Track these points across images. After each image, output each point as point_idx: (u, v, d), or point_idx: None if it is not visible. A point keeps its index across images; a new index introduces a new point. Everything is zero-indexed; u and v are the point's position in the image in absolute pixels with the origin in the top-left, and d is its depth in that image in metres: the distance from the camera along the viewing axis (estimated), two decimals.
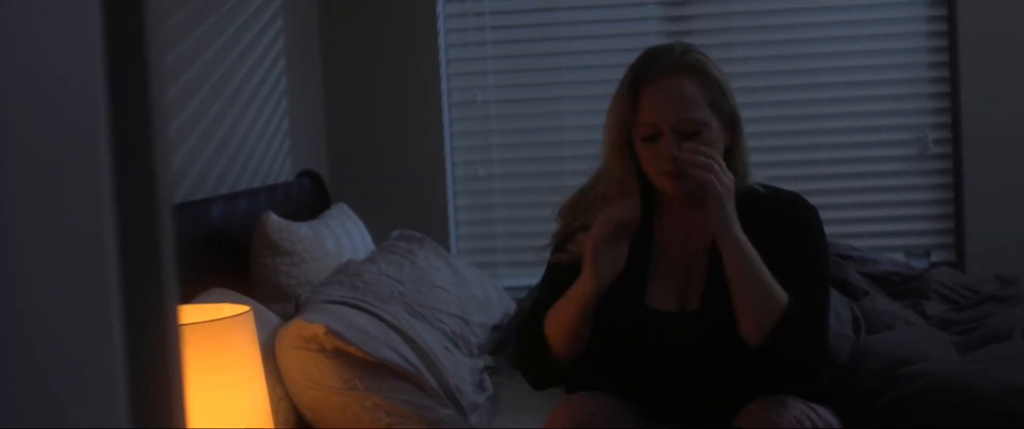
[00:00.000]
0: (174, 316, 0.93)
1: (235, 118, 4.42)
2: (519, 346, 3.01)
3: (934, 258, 5.42)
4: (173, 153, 3.85)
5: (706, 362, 2.86)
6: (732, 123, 2.89)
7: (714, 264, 2.81)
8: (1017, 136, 5.27)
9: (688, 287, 2.89)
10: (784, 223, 2.88)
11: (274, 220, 3.85)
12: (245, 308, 2.84)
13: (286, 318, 3.53)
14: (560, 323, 2.80)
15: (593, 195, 2.96)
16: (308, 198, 4.84)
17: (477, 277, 4.52)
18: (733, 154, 2.86)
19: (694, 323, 2.84)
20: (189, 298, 3.23)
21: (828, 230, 4.82)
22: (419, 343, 3.57)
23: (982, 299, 4.38)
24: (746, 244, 2.72)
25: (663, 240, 2.95)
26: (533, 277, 4.90)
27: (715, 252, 2.79)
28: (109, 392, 0.87)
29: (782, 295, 2.71)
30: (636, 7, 5.57)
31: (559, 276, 2.91)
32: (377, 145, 5.56)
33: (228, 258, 3.85)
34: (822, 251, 2.94)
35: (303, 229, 4.00)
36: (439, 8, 5.56)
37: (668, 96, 2.79)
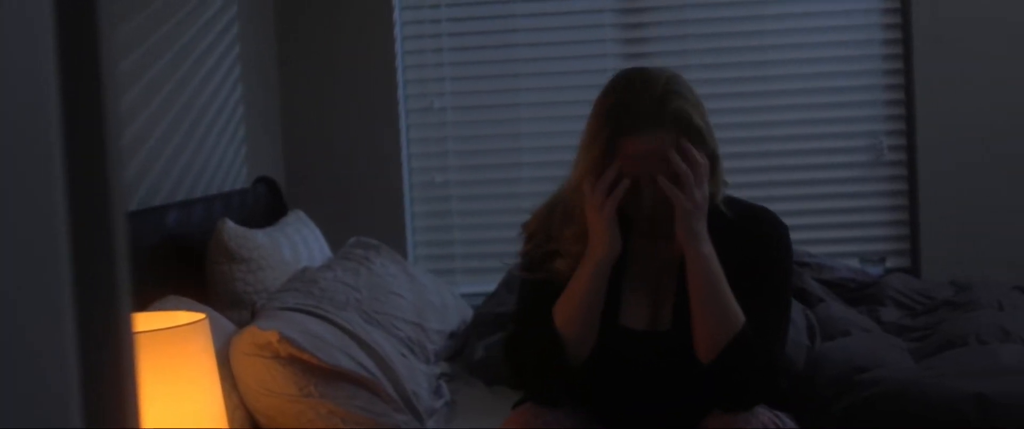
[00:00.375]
0: (128, 324, 0.92)
1: (191, 125, 4.40)
2: (514, 364, 2.92)
3: (889, 264, 5.46)
4: (128, 160, 3.84)
5: (676, 381, 2.85)
6: (710, 159, 2.83)
7: (684, 282, 2.79)
8: (971, 142, 5.30)
9: (659, 305, 2.87)
10: (753, 240, 2.85)
11: (230, 227, 3.84)
12: (200, 316, 2.83)
13: (242, 325, 3.51)
14: (572, 306, 2.76)
15: (561, 211, 2.91)
16: (264, 205, 4.83)
17: (434, 284, 4.52)
18: (709, 184, 2.81)
19: (665, 343, 2.83)
20: (145, 306, 3.22)
21: None
22: (375, 349, 3.56)
23: (937, 305, 4.40)
24: (710, 262, 2.70)
25: (636, 256, 2.92)
26: (490, 284, 4.91)
27: (684, 269, 2.78)
28: (63, 402, 0.86)
29: (739, 316, 2.70)
30: (592, 14, 5.58)
31: (541, 292, 2.87)
32: (334, 152, 5.55)
33: (184, 265, 3.84)
34: (788, 271, 2.93)
35: (259, 236, 3.99)
36: (396, 15, 5.56)
37: (648, 152, 2.70)
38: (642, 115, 2.69)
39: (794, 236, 5.27)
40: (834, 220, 5.51)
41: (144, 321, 2.81)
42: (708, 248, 2.72)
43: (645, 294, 2.88)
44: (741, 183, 5.27)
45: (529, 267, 2.93)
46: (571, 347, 2.76)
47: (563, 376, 2.80)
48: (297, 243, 4.32)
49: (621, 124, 2.70)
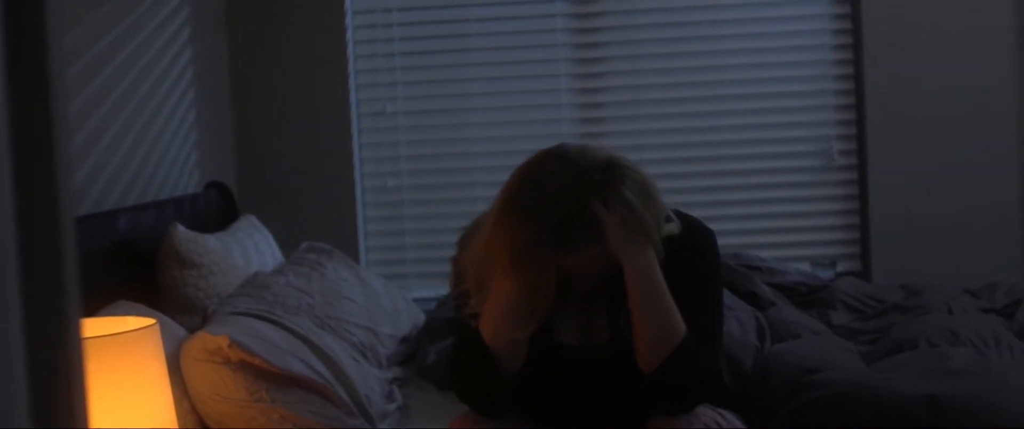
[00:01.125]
0: (77, 329, 0.92)
1: (142, 129, 4.37)
2: (455, 377, 2.92)
3: (840, 268, 5.48)
4: (79, 164, 3.81)
5: (614, 391, 2.86)
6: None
7: (614, 297, 2.79)
8: (921, 146, 5.34)
9: (591, 320, 2.87)
10: (684, 250, 2.84)
11: (181, 232, 3.82)
12: (151, 321, 2.82)
13: (194, 331, 3.49)
14: (492, 323, 2.74)
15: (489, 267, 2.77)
16: (216, 210, 4.81)
17: (386, 288, 4.51)
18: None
19: (602, 356, 2.83)
20: (95, 311, 3.20)
21: (735, 241, 4.86)
22: (328, 354, 3.56)
23: (887, 309, 4.42)
24: (649, 274, 2.68)
25: (566, 273, 2.90)
26: (442, 289, 4.91)
27: (615, 285, 2.77)
28: (11, 407, 0.86)
29: (681, 325, 2.70)
30: (544, 19, 5.59)
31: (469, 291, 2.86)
32: (286, 156, 5.54)
33: (135, 270, 3.81)
34: (719, 274, 2.94)
35: (211, 241, 3.97)
36: (347, 19, 5.55)
37: (590, 265, 2.71)
38: (581, 230, 2.62)
39: (745, 240, 5.33)
40: (785, 224, 5.53)
41: (94, 326, 2.79)
42: (643, 261, 2.68)
43: (577, 309, 2.87)
44: (692, 187, 5.33)
45: (463, 297, 2.90)
46: (501, 360, 2.75)
47: (498, 387, 2.79)
48: (249, 248, 4.30)
49: (558, 240, 2.61)
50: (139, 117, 4.36)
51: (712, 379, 2.81)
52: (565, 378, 2.87)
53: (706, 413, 2.75)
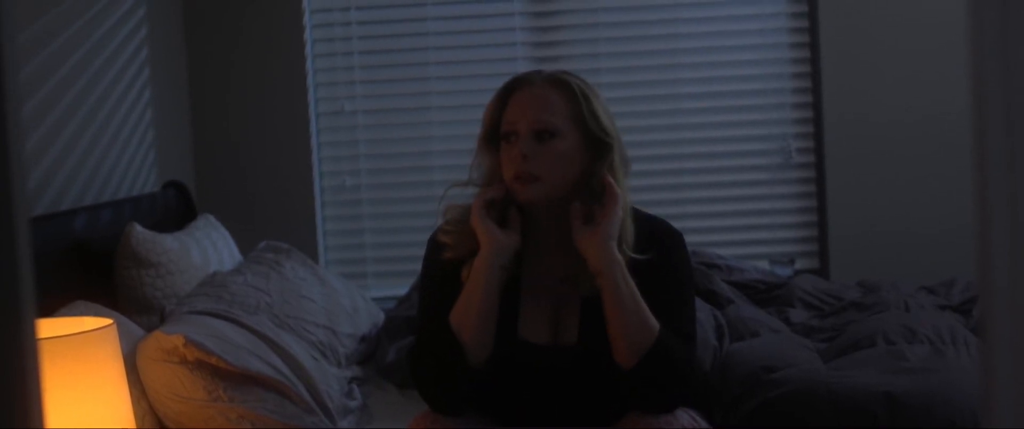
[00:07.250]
0: (31, 330, 0.91)
1: (99, 128, 4.35)
2: (417, 373, 2.91)
3: (798, 266, 5.50)
4: (35, 163, 3.79)
5: (582, 391, 2.86)
6: (598, 144, 2.85)
7: (587, 301, 2.81)
8: (878, 144, 5.37)
9: (561, 321, 2.87)
10: (654, 251, 2.86)
11: (139, 231, 3.80)
12: (108, 321, 2.80)
13: (151, 331, 3.48)
14: (465, 308, 2.75)
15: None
16: (174, 209, 4.79)
17: (345, 287, 4.50)
18: (592, 178, 2.84)
19: (571, 356, 2.84)
20: (52, 312, 3.18)
21: (694, 239, 4.86)
22: (287, 351, 3.55)
23: (845, 306, 4.44)
24: (621, 265, 2.72)
25: (530, 274, 2.92)
26: (401, 287, 4.91)
27: (588, 290, 2.80)
28: None
29: (654, 321, 2.72)
30: (503, 17, 5.59)
31: (441, 300, 2.87)
32: (244, 155, 5.52)
33: (92, 270, 3.79)
34: (689, 277, 2.96)
35: (168, 240, 3.96)
36: (306, 18, 5.53)
37: (530, 100, 2.82)
38: (535, 76, 2.90)
39: (704, 238, 5.33)
40: (744, 222, 5.55)
41: (51, 327, 2.78)
42: (611, 256, 2.73)
43: (544, 309, 2.86)
44: (651, 185, 5.33)
45: (430, 274, 2.93)
46: (470, 351, 2.74)
47: (464, 380, 2.78)
48: (207, 247, 4.29)
49: (515, 81, 2.91)
50: (96, 116, 4.34)
51: (692, 376, 2.82)
52: (529, 376, 2.87)
53: (683, 416, 2.75)
